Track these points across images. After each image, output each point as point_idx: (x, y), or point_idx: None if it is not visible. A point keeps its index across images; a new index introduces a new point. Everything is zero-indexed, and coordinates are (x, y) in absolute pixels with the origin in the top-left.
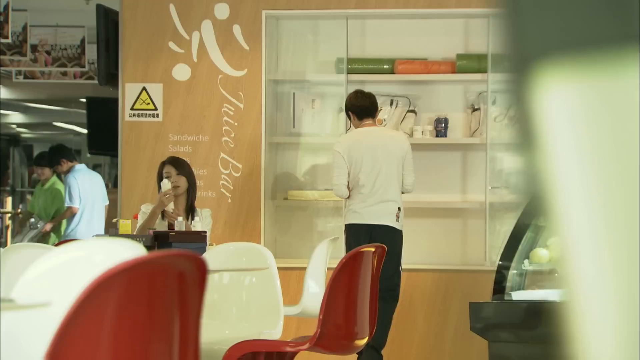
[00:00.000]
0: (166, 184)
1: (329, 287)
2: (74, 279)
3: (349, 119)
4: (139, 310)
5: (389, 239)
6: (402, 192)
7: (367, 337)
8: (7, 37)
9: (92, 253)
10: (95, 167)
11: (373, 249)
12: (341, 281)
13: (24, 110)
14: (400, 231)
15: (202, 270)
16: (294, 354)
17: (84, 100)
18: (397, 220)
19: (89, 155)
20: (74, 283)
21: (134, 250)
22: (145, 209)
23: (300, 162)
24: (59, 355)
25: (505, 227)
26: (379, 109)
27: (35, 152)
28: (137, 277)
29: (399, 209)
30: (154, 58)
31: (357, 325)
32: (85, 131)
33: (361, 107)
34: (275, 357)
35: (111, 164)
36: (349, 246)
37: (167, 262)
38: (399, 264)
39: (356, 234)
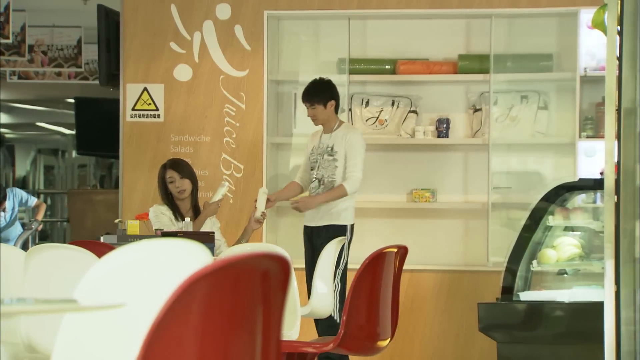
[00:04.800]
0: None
1: (352, 288)
2: (139, 280)
3: (336, 108)
4: (224, 310)
5: None
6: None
7: (389, 338)
8: (7, 37)
9: (153, 255)
10: (80, 167)
11: (395, 250)
12: (364, 282)
13: (9, 110)
14: None
15: (285, 270)
16: (316, 354)
17: (72, 100)
18: None
19: (74, 155)
20: (141, 284)
21: (196, 251)
22: (156, 210)
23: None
24: (150, 357)
25: (507, 229)
26: None
27: (17, 153)
28: (223, 278)
29: None
30: (155, 58)
31: (380, 326)
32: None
33: None
34: (297, 358)
35: (96, 165)
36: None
37: (253, 262)
38: None
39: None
